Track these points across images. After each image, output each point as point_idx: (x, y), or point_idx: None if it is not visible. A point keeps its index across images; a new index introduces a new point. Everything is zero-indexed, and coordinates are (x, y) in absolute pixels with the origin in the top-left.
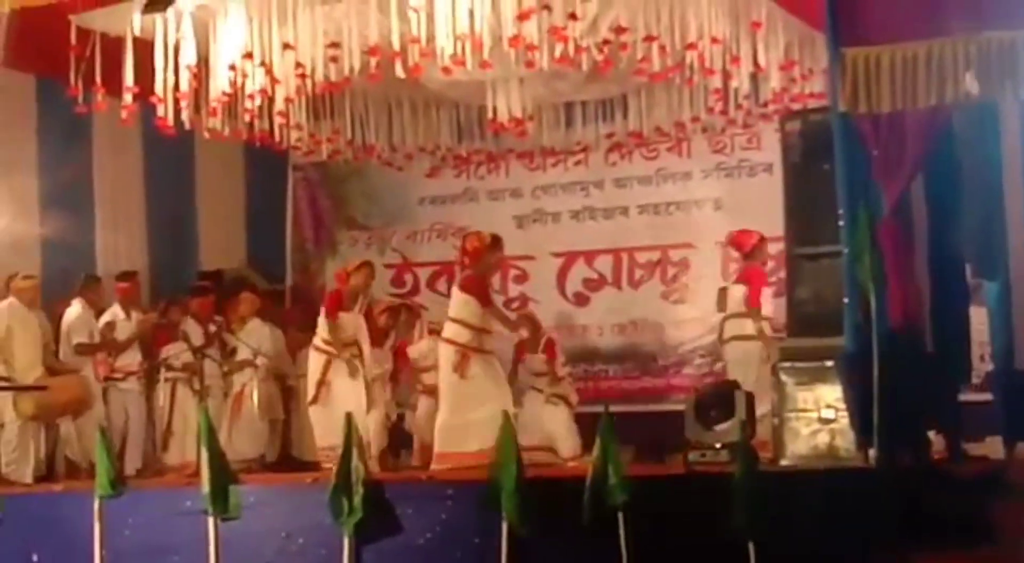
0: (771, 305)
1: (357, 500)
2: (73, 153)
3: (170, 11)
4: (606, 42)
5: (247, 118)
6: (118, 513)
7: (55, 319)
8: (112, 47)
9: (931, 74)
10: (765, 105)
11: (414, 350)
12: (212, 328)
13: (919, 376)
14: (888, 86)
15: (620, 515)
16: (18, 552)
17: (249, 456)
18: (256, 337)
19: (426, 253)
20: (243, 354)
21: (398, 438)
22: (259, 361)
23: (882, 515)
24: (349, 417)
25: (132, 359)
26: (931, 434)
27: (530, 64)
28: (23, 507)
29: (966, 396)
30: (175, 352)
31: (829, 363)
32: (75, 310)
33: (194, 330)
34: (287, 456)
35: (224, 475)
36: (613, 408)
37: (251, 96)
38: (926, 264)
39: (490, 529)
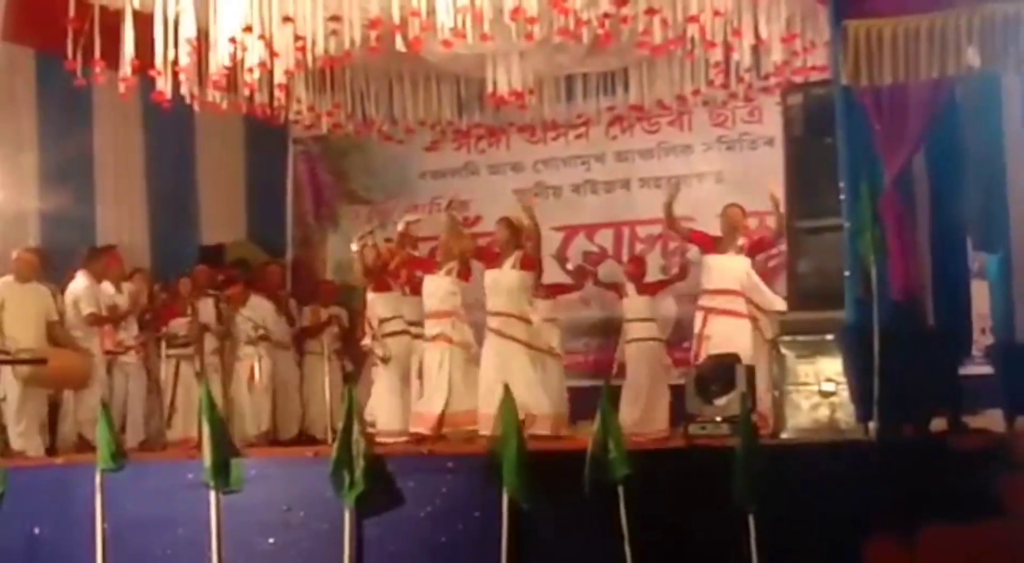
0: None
1: (358, 473)
2: (73, 127)
3: None
4: (607, 15)
5: (247, 92)
6: (120, 486)
7: (63, 292)
8: (111, 20)
9: (933, 47)
10: (767, 78)
11: None
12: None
13: (920, 349)
14: (890, 59)
15: (620, 488)
16: (20, 525)
17: (256, 432)
18: (259, 313)
19: (427, 227)
20: (246, 329)
21: None
22: (259, 334)
23: (883, 488)
24: (350, 390)
25: (129, 333)
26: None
27: (530, 37)
28: (25, 480)
29: (967, 369)
30: (178, 327)
31: (830, 336)
32: (81, 282)
33: (205, 306)
34: (302, 433)
35: (225, 448)
36: (612, 383)
37: (251, 70)
38: (927, 237)
39: (491, 502)
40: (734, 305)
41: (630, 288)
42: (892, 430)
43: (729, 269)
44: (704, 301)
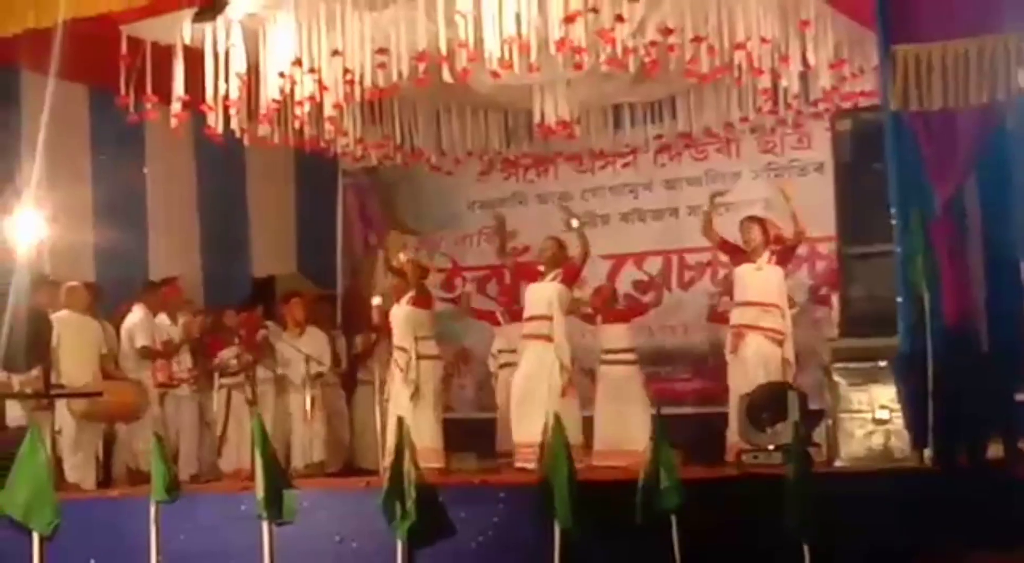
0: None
1: (410, 504)
2: (126, 162)
3: (220, 20)
4: (653, 43)
5: (297, 125)
6: (174, 518)
7: (115, 325)
8: (163, 56)
9: (983, 71)
10: (815, 104)
11: None
12: (263, 333)
13: (974, 376)
14: (939, 84)
15: (673, 518)
16: (75, 558)
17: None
18: (314, 344)
19: (475, 257)
20: (299, 361)
21: None
22: (315, 368)
23: (938, 516)
24: (401, 421)
25: (182, 364)
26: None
27: (577, 67)
28: (80, 513)
29: (1022, 395)
30: (228, 357)
31: (883, 363)
32: (136, 315)
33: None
34: (349, 465)
35: (278, 479)
36: (665, 410)
37: (300, 103)
38: (980, 262)
39: (543, 532)
40: (766, 321)
41: (598, 318)
42: (947, 457)
43: (762, 280)
44: (736, 317)
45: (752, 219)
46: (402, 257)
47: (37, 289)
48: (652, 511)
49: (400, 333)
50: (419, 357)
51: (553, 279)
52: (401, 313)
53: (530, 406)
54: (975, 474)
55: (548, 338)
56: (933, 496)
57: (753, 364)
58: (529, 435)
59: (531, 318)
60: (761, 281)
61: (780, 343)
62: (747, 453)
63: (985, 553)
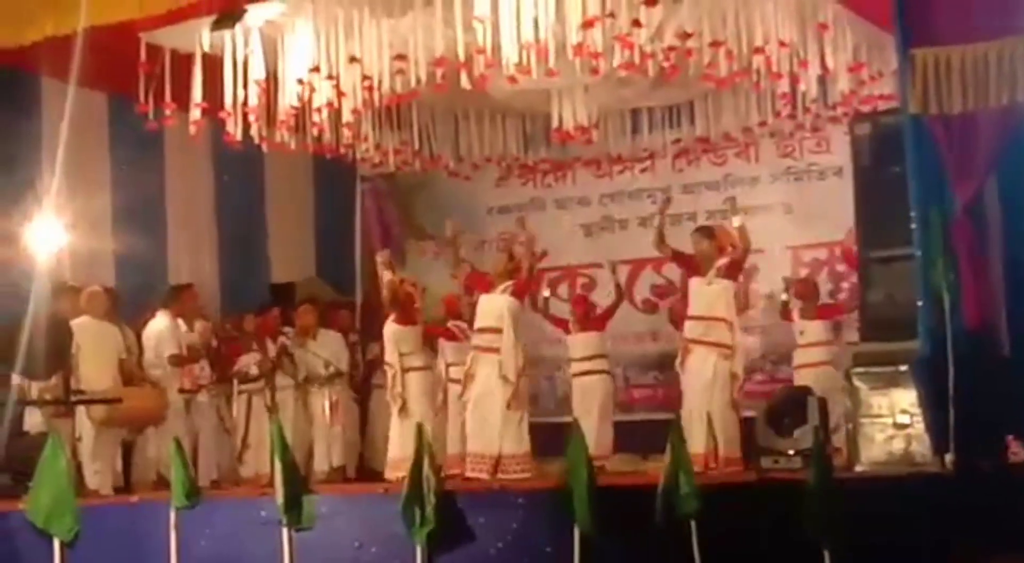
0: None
1: (429, 510)
2: (145, 169)
3: (238, 27)
4: (672, 48)
5: (315, 131)
6: (194, 524)
7: (138, 331)
8: (182, 64)
9: (1002, 74)
10: (834, 108)
11: None
12: (281, 341)
13: (996, 379)
14: (959, 86)
15: (692, 523)
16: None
17: (327, 468)
18: (329, 347)
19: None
20: (315, 365)
21: None
22: (331, 371)
23: (959, 521)
24: (420, 427)
25: (200, 370)
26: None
27: (595, 72)
28: (100, 518)
29: None
30: (248, 363)
31: (903, 367)
32: (161, 321)
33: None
34: (362, 468)
35: (297, 485)
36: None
37: (318, 109)
38: (1000, 265)
39: (562, 537)
40: (712, 335)
41: (573, 326)
42: (968, 461)
43: (710, 294)
44: (686, 330)
45: (702, 230)
46: (387, 276)
47: (57, 295)
48: (671, 516)
49: (388, 349)
50: (404, 370)
51: (504, 291)
52: (388, 330)
53: (482, 418)
54: (996, 478)
55: (499, 351)
56: (954, 500)
57: (699, 378)
58: (480, 446)
59: (482, 330)
60: (709, 295)
61: (728, 357)
62: (767, 458)
63: (1006, 557)
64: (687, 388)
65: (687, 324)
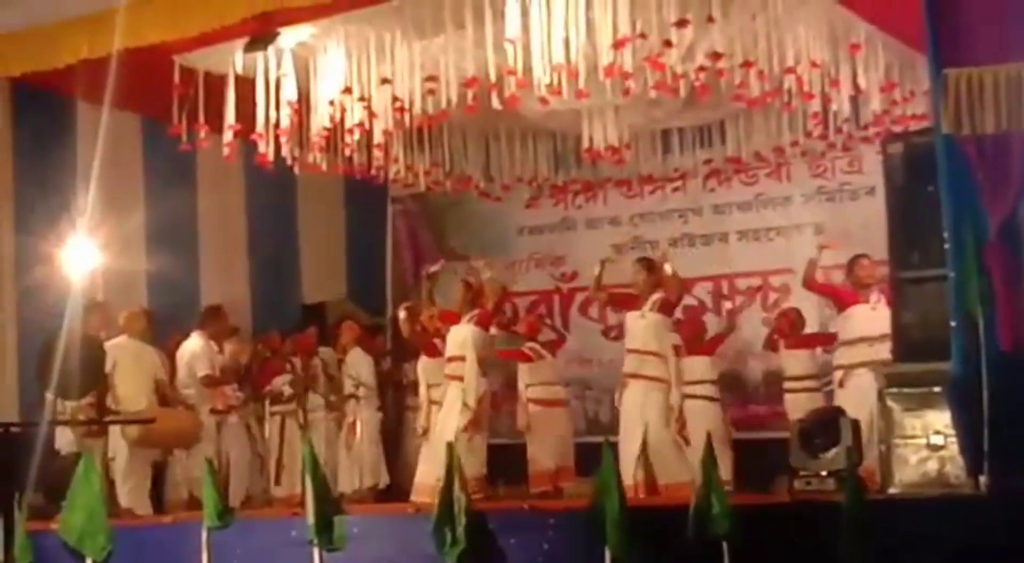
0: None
1: (460, 531)
2: (178, 190)
3: (271, 49)
4: (703, 69)
5: (346, 152)
6: (226, 544)
7: (170, 352)
8: (215, 86)
9: None
10: (866, 128)
11: None
12: (316, 361)
13: None
14: (992, 107)
15: (724, 543)
16: None
17: (358, 487)
18: (358, 367)
19: (525, 283)
20: (346, 385)
21: None
22: (361, 391)
23: (994, 543)
24: (451, 447)
25: (232, 391)
26: None
27: (626, 92)
28: (133, 538)
29: None
30: (280, 384)
31: (937, 388)
32: (196, 342)
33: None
34: (392, 486)
35: (329, 506)
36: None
37: (350, 130)
38: None
39: (593, 558)
40: (647, 369)
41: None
42: (1003, 484)
43: (643, 328)
44: (625, 365)
45: (642, 262)
46: (401, 315)
47: (91, 316)
48: (703, 537)
49: (420, 381)
50: (431, 402)
51: (469, 320)
52: (419, 365)
53: (439, 445)
54: None
55: (462, 378)
56: (988, 523)
57: (634, 411)
58: (428, 474)
59: (451, 359)
60: (642, 329)
61: (662, 390)
62: (799, 479)
63: None
64: (623, 421)
65: (625, 358)
